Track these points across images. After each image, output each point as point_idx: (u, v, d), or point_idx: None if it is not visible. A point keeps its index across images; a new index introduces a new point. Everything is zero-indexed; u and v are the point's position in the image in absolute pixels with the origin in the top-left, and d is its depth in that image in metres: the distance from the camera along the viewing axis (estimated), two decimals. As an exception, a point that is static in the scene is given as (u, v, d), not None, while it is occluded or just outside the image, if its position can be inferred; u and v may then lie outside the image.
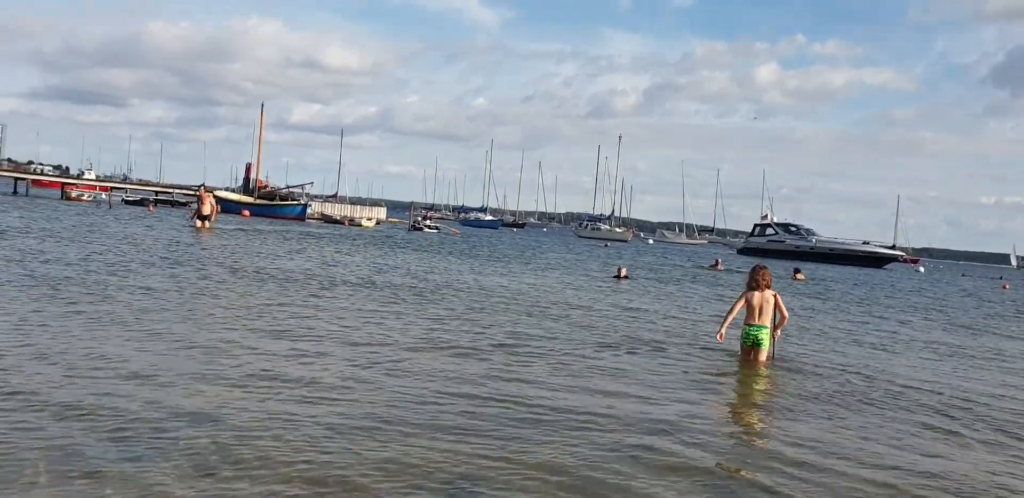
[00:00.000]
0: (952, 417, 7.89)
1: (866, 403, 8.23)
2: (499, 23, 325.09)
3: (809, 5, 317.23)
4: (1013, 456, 6.59)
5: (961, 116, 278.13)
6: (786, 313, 9.83)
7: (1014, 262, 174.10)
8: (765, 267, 10.06)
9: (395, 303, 13.61)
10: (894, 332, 16.30)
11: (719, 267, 38.68)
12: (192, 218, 33.40)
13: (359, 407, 6.31)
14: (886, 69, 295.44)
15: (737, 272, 34.54)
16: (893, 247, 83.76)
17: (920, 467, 5.93)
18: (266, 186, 68.49)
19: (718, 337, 10.06)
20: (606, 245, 66.84)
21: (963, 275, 77.94)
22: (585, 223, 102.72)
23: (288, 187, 68.29)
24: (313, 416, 5.92)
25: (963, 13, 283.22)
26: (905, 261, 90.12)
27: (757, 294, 9.75)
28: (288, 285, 14.81)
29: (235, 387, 6.65)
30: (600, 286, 21.95)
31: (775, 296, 9.81)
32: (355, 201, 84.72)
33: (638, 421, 6.60)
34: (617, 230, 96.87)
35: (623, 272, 26.47)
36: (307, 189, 67.85)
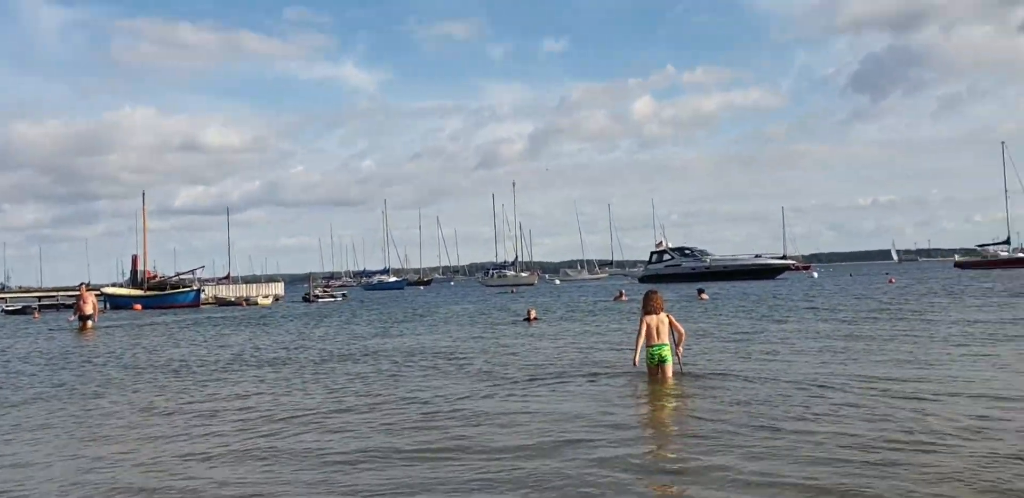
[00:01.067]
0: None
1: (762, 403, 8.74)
2: (377, 86, 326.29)
3: (674, 36, 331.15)
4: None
5: (829, 125, 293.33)
6: (682, 330, 10.77)
7: (895, 257, 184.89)
8: (655, 292, 10.96)
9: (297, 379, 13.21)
10: (787, 335, 16.84)
11: (623, 298, 39.49)
12: (74, 320, 30.85)
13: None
14: (754, 89, 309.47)
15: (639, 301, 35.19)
16: (784, 257, 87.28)
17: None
18: (155, 276, 66.08)
19: (634, 363, 10.64)
20: (511, 291, 67.07)
21: (850, 275, 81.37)
22: (491, 272, 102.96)
23: (178, 274, 66.12)
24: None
25: (817, 28, 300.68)
26: (798, 269, 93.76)
27: (653, 317, 10.57)
28: (180, 373, 14.22)
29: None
30: (512, 331, 21.94)
31: (668, 316, 10.67)
32: (250, 280, 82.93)
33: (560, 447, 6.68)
34: (523, 275, 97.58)
35: (533, 314, 26.53)
36: (198, 273, 65.93)
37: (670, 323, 10.66)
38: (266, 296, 63.33)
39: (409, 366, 14.14)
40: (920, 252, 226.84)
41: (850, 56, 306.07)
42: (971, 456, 6.15)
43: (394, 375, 12.82)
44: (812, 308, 27.26)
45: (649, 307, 10.64)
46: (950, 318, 20.22)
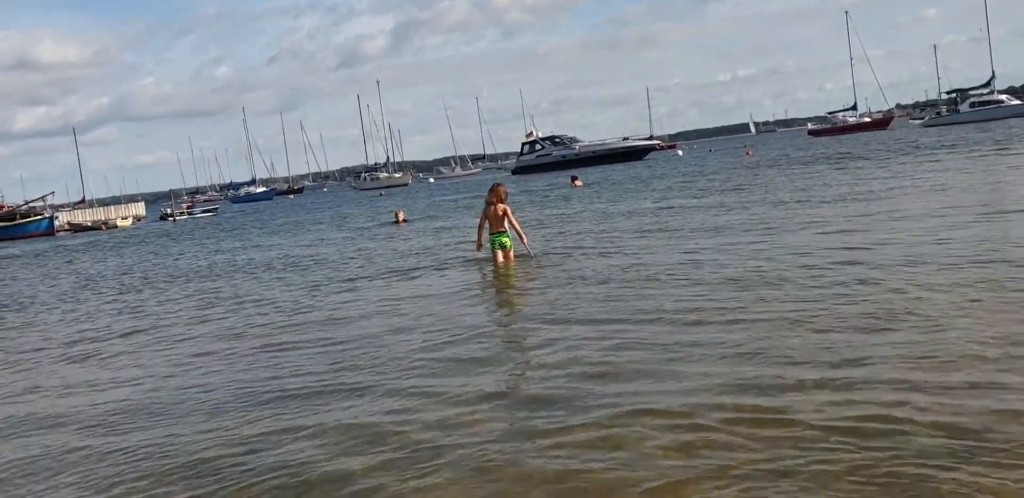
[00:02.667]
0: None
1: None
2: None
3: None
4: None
5: (685, 4, 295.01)
6: (516, 224, 11.59)
7: (752, 129, 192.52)
8: (499, 184, 11.94)
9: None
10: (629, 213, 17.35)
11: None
12: None
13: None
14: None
15: (527, 192, 35.46)
16: (651, 137, 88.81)
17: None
18: (1, 207, 62.03)
19: (476, 249, 11.90)
20: (381, 194, 65.84)
21: (710, 151, 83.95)
22: (363, 175, 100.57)
23: (27, 202, 62.11)
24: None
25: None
26: (663, 148, 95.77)
27: (492, 208, 11.50)
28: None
29: None
30: (381, 233, 21.76)
31: (505, 210, 11.54)
32: (109, 202, 78.79)
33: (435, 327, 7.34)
34: (396, 176, 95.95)
35: (401, 216, 26.27)
36: (49, 200, 61.99)
37: (506, 215, 11.53)
38: (125, 217, 60.62)
39: (261, 276, 13.90)
40: (778, 123, 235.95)
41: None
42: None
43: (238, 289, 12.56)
44: (671, 189, 28.14)
45: (491, 198, 11.53)
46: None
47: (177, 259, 21.38)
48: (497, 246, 11.57)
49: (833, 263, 8.51)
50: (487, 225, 11.65)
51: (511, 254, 11.64)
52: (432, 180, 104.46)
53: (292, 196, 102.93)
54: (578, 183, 36.39)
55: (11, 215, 58.39)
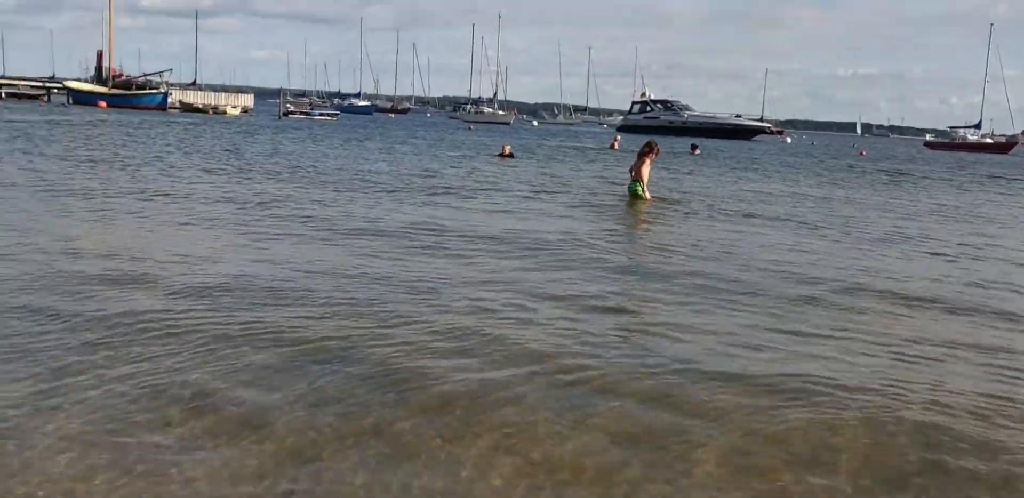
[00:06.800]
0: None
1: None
2: None
3: None
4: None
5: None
6: (644, 178, 13.08)
7: (859, 130, 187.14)
8: (652, 142, 13.31)
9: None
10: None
11: (616, 147, 38.73)
12: None
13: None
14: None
15: (632, 151, 34.87)
16: (761, 120, 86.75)
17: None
18: (121, 75, 64.00)
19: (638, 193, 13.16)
20: (470, 128, 64.73)
21: (812, 143, 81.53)
22: (467, 107, 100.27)
23: (145, 75, 63.98)
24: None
25: None
26: (772, 133, 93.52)
27: (642, 159, 13.12)
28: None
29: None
30: (487, 164, 22.01)
31: (644, 165, 13.11)
32: (217, 89, 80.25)
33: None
34: (499, 113, 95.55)
35: (507, 150, 26.34)
36: (166, 76, 63.72)
37: (642, 168, 13.10)
38: (235, 106, 61.92)
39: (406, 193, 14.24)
40: (892, 128, 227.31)
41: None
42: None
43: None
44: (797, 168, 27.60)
45: (644, 149, 13.07)
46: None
47: (326, 156, 21.94)
48: (631, 193, 13.20)
49: None
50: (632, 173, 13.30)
51: (642, 201, 13.12)
52: (536, 123, 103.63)
53: (393, 115, 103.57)
54: (697, 152, 36.12)
55: (127, 84, 60.30)
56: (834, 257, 8.52)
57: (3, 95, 60.19)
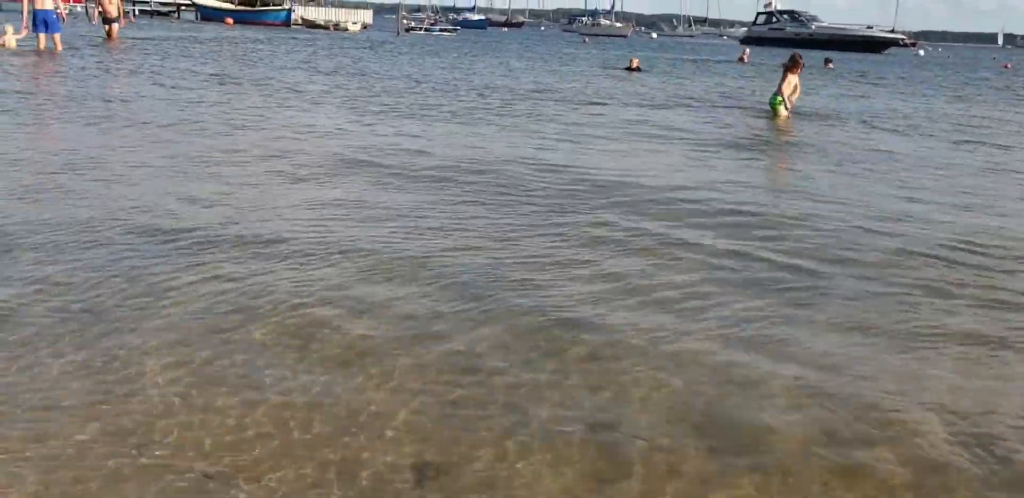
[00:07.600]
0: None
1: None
2: None
3: None
4: None
5: None
6: (786, 93, 12.94)
7: (1000, 41, 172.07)
8: (796, 55, 12.98)
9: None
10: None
11: (745, 60, 37.60)
12: (96, 22, 24.95)
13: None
14: None
15: (761, 64, 33.69)
16: (892, 31, 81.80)
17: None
18: (245, -9, 65.10)
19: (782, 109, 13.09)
20: (584, 41, 63.12)
21: (948, 58, 76.16)
22: (584, 19, 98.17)
23: (268, -9, 64.87)
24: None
25: None
26: (904, 45, 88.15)
27: (788, 75, 12.93)
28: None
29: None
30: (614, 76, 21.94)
31: (787, 80, 12.96)
32: (336, 4, 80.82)
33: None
34: (617, 25, 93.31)
35: (635, 63, 26.08)
36: (290, -8, 64.39)
37: (795, 84, 13.06)
38: (355, 22, 62.47)
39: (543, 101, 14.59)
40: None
41: None
42: None
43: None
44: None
45: (790, 64, 12.86)
46: None
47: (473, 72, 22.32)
48: (771, 106, 13.27)
49: None
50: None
51: (781, 115, 13.12)
52: (655, 35, 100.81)
53: (506, 29, 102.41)
54: (830, 65, 34.89)
55: (252, 0, 61.38)
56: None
57: (137, 12, 62.37)
